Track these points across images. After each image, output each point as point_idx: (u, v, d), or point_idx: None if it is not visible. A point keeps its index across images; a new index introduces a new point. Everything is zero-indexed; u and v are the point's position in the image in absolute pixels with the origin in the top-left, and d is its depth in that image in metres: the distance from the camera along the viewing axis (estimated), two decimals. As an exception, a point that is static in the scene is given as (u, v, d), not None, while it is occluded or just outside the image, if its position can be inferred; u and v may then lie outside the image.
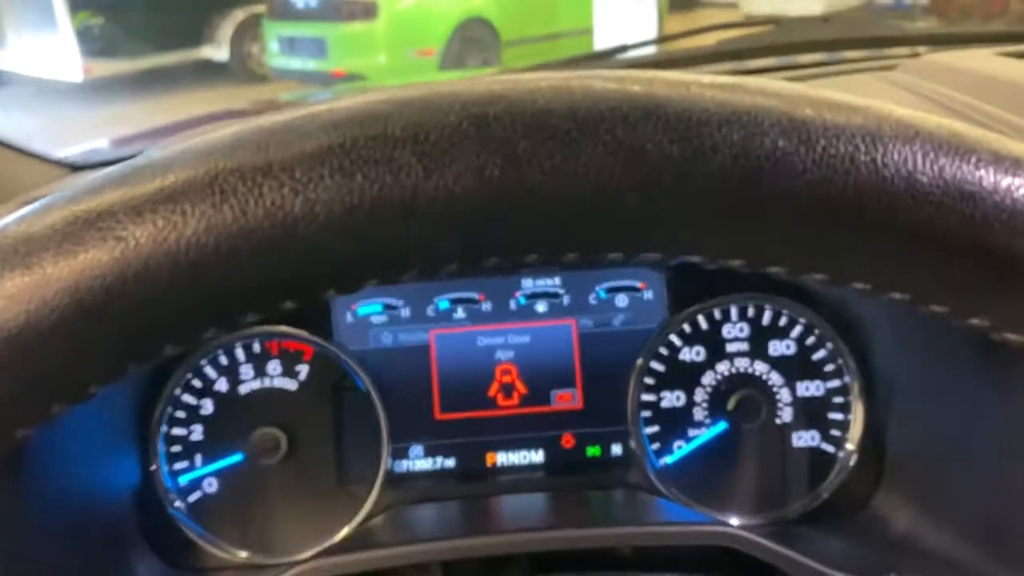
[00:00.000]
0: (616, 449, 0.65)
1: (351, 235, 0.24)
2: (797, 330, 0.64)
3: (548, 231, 0.25)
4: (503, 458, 0.65)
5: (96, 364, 0.25)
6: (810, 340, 0.64)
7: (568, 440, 0.65)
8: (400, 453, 0.65)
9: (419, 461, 0.65)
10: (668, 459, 0.64)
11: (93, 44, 5.61)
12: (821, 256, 0.26)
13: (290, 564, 0.57)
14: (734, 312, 0.64)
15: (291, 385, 0.64)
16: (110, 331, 0.24)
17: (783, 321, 0.64)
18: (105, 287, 0.23)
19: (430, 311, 0.65)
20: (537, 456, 0.65)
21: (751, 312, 0.64)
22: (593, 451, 0.65)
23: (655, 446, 0.64)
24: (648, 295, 0.66)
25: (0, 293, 0.23)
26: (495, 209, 0.24)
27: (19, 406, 0.24)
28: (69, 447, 0.53)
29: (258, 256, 0.24)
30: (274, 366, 0.64)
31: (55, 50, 5.41)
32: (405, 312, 0.65)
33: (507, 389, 0.65)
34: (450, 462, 0.65)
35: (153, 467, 0.62)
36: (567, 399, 0.65)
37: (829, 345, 0.63)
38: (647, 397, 0.64)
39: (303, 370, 0.64)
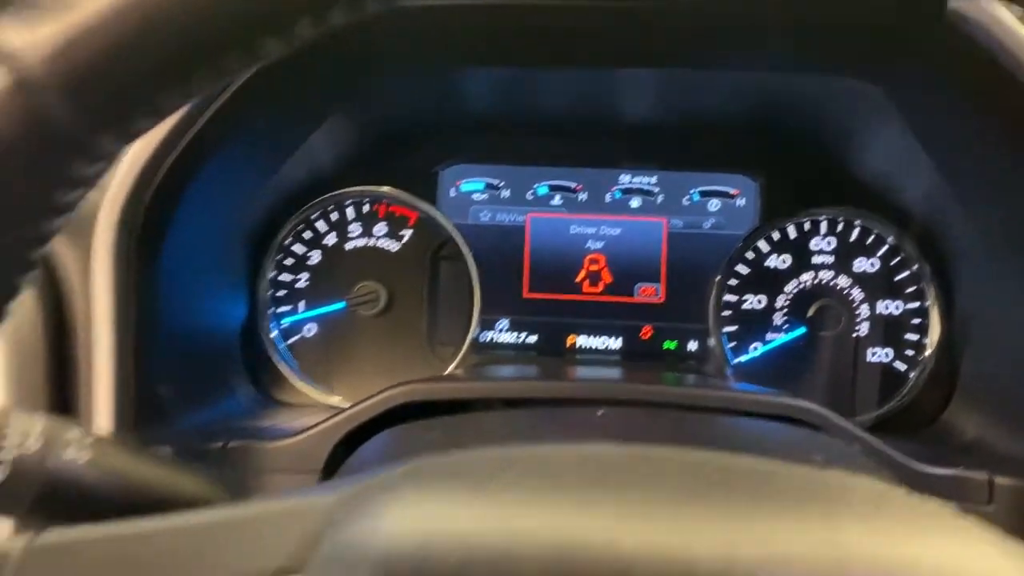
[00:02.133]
0: (692, 345, 0.68)
1: None
2: (883, 249, 0.65)
3: None
4: (583, 341, 0.68)
5: None
6: (895, 260, 0.65)
7: (647, 332, 0.68)
8: (487, 324, 0.68)
9: (504, 334, 0.69)
10: (744, 358, 0.66)
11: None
12: None
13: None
14: (824, 226, 0.66)
15: (394, 246, 0.68)
16: None
17: (871, 239, 0.65)
18: None
19: (528, 195, 0.69)
20: (615, 343, 0.68)
21: (840, 227, 0.66)
22: (670, 344, 0.68)
23: (732, 345, 0.66)
24: (740, 202, 0.68)
25: None
26: None
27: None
28: (192, 283, 0.57)
29: None
30: (380, 227, 0.68)
31: None
32: (505, 193, 0.69)
33: (593, 277, 0.68)
34: (532, 338, 0.69)
35: (260, 308, 0.67)
36: (650, 293, 0.68)
37: (914, 267, 0.65)
38: (729, 298, 0.67)
39: (407, 234, 0.68)
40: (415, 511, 0.24)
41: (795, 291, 0.66)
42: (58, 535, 0.25)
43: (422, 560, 0.22)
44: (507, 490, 0.23)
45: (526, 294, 0.69)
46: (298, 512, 0.25)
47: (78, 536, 0.25)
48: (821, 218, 0.66)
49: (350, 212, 0.68)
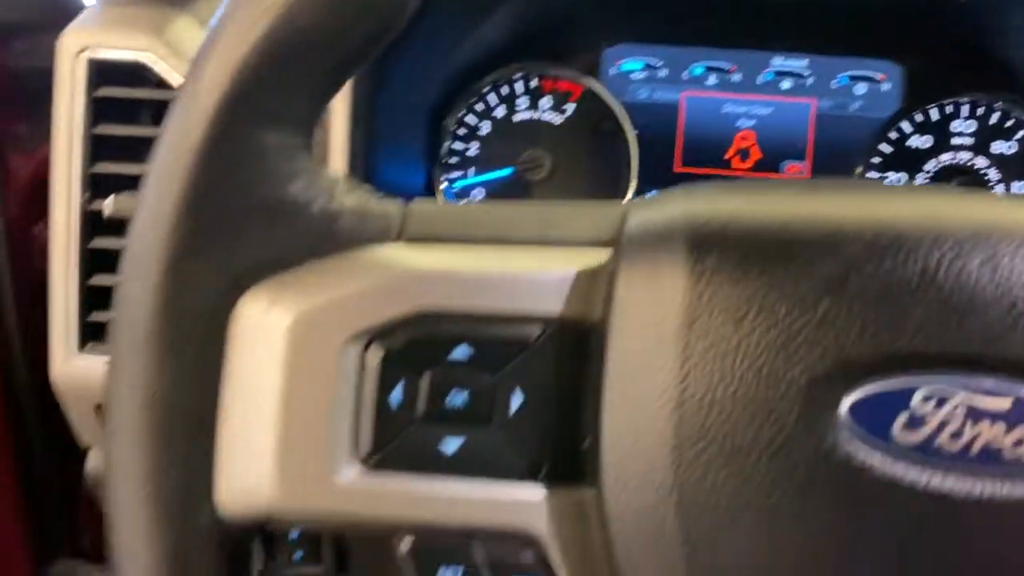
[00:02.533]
0: (833, 220, 0.73)
1: None
2: (1022, 133, 0.70)
3: None
4: (730, 213, 0.74)
5: None
6: (1033, 144, 0.70)
7: (790, 207, 0.73)
8: (640, 195, 0.74)
9: (656, 205, 0.74)
10: (882, 232, 0.71)
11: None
12: None
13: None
14: (965, 109, 0.70)
15: (557, 119, 0.73)
16: None
17: (1010, 123, 0.70)
18: None
19: (684, 75, 0.74)
20: (760, 216, 0.74)
21: (981, 111, 0.70)
22: (811, 219, 0.73)
23: (871, 219, 0.71)
24: (886, 87, 0.72)
25: None
26: None
27: None
28: (379, 157, 0.64)
29: None
30: (545, 101, 0.73)
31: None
32: (662, 72, 0.74)
33: (743, 153, 0.73)
34: (682, 210, 0.74)
35: (435, 175, 0.74)
36: (796, 170, 0.73)
37: (1050, 150, 0.69)
38: (871, 175, 0.72)
39: (569, 108, 0.73)
40: (723, 193, 0.30)
41: (934, 170, 0.71)
42: (426, 204, 0.32)
43: (733, 225, 0.28)
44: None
45: (678, 169, 0.74)
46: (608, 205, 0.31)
47: (442, 207, 0.32)
48: (963, 102, 0.70)
49: (518, 87, 0.73)
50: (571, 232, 0.31)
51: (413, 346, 0.29)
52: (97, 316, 0.59)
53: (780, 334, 0.27)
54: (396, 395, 0.29)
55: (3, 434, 0.92)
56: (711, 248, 0.28)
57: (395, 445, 0.29)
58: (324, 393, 0.29)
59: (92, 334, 0.59)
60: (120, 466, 0.28)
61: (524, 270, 0.30)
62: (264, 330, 0.29)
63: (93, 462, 0.66)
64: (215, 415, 0.29)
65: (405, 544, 0.30)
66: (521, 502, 0.30)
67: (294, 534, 0.63)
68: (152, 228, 0.28)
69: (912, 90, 0.72)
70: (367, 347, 0.29)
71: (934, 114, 0.71)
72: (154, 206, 0.29)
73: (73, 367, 0.59)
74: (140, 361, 0.28)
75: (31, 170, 0.88)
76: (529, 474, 0.30)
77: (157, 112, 0.61)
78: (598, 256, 0.30)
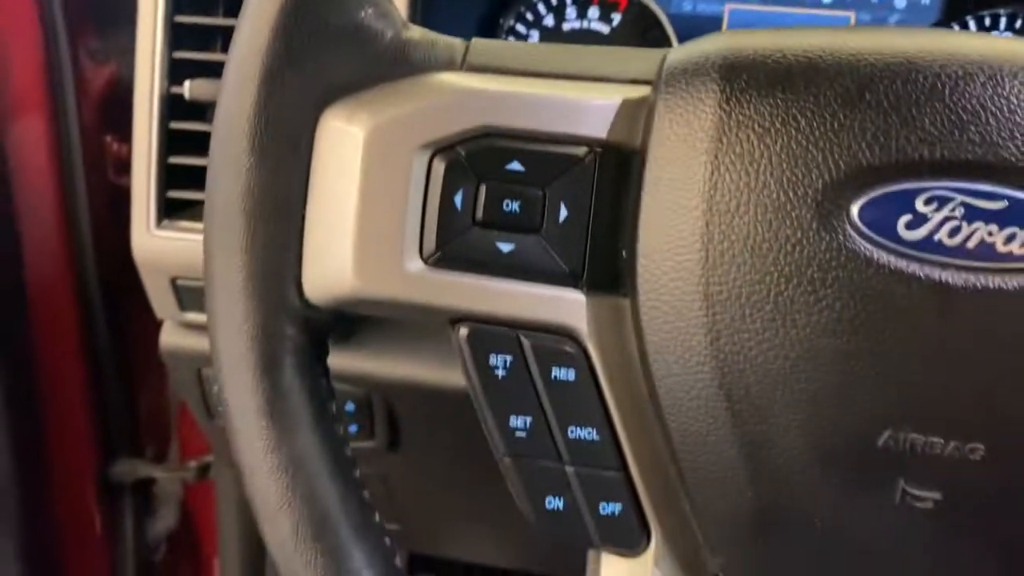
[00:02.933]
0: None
1: None
2: (1060, 45, 0.71)
3: None
4: (768, 123, 0.77)
5: None
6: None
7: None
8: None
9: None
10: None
11: None
12: None
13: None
14: (1003, 20, 0.72)
15: (605, 29, 0.76)
16: None
17: (1048, 35, 0.71)
18: None
19: (728, -12, 0.76)
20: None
21: (1020, 22, 0.72)
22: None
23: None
24: (926, 0, 0.74)
25: None
26: None
27: None
28: None
29: None
30: (593, 11, 0.76)
31: None
32: (707, -16, 0.76)
33: (783, 64, 0.76)
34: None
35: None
36: (834, 81, 0.75)
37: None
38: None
39: (616, 18, 0.76)
40: (752, 32, 0.33)
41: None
42: (487, 40, 0.36)
43: (761, 53, 0.31)
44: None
45: (719, 79, 0.76)
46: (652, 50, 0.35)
47: (502, 43, 0.36)
48: (1002, 13, 0.72)
49: (568, -4, 0.76)
50: (617, 70, 0.35)
51: (474, 158, 0.33)
52: (175, 194, 0.64)
53: (799, 144, 0.30)
54: (458, 199, 0.33)
55: (76, 341, 0.99)
56: (740, 73, 0.31)
57: (455, 244, 0.33)
58: (395, 196, 0.33)
59: (170, 210, 0.64)
60: (219, 244, 0.33)
61: (574, 97, 0.33)
62: (344, 140, 0.33)
63: (166, 336, 0.71)
64: (302, 209, 0.33)
65: (463, 331, 0.34)
66: (565, 301, 0.34)
67: (350, 407, 0.69)
68: (250, 48, 0.32)
69: (951, 2, 0.73)
70: (433, 157, 0.33)
71: (973, 26, 0.72)
72: (251, 30, 0.33)
73: (152, 241, 0.64)
74: (239, 158, 0.32)
75: (104, 82, 0.93)
76: (571, 280, 0.34)
77: (229, 4, 0.65)
78: (641, 91, 0.33)
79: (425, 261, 0.34)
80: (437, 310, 0.34)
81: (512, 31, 0.77)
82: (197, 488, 1.13)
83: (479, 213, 0.33)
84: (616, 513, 0.35)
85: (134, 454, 1.08)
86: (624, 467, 0.35)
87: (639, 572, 0.36)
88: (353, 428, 0.70)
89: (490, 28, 0.77)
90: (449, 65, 0.35)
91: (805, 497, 0.32)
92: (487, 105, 0.33)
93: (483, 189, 0.33)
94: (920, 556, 0.32)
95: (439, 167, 0.33)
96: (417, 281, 0.34)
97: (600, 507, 0.35)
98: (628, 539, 0.36)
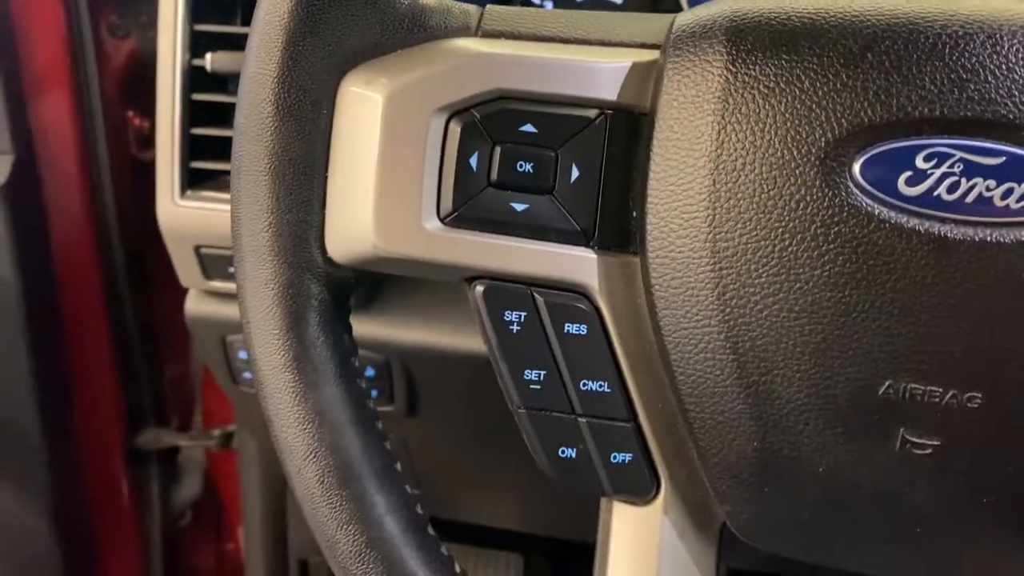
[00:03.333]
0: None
1: None
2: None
3: None
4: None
5: None
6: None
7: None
8: None
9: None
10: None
11: None
12: None
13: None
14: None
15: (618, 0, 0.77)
16: None
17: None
18: None
19: (742, -43, 0.76)
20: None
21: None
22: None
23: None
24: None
25: None
26: None
27: None
28: None
29: None
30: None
31: None
32: (721, -46, 0.77)
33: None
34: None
35: None
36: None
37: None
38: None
39: (630, -12, 0.77)
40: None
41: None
42: (501, 7, 0.37)
43: (767, 16, 0.32)
44: None
45: None
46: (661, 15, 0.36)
47: (516, 9, 0.37)
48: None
49: (581, -34, 0.77)
50: (628, 34, 0.36)
51: (489, 120, 0.34)
52: (198, 164, 0.65)
53: (803, 104, 0.31)
54: (473, 161, 0.34)
55: (102, 314, 1.01)
56: (746, 35, 0.32)
57: (471, 204, 0.35)
58: (414, 158, 0.34)
59: (193, 180, 0.66)
60: (246, 205, 0.34)
61: (585, 61, 0.34)
62: (363, 104, 0.34)
63: (191, 304, 0.73)
64: (325, 170, 0.35)
65: (479, 289, 0.36)
66: (576, 259, 0.35)
67: (369, 372, 0.70)
68: (272, 16, 0.34)
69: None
70: (450, 120, 0.34)
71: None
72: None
73: (176, 211, 0.66)
74: (263, 120, 0.34)
75: (125, 57, 0.95)
76: (583, 239, 0.35)
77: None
78: (651, 54, 0.34)
79: (442, 220, 0.35)
80: (454, 268, 0.35)
81: (526, 1, 0.77)
82: (221, 456, 1.16)
83: (494, 174, 0.35)
84: (627, 462, 0.37)
85: (159, 424, 1.11)
86: (634, 418, 0.36)
87: (649, 520, 0.38)
88: (373, 393, 0.72)
89: (505, -1, 0.77)
90: (464, 31, 0.36)
91: (808, 446, 0.33)
92: (501, 69, 0.34)
93: (498, 151, 0.34)
94: (920, 501, 0.34)
95: (455, 129, 0.34)
96: (435, 240, 0.35)
97: (611, 456, 0.37)
98: (639, 488, 0.37)
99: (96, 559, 1.09)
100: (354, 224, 0.35)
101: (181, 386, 1.15)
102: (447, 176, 0.35)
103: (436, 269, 0.36)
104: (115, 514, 1.10)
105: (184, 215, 0.65)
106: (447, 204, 0.35)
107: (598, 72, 0.34)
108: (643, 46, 0.35)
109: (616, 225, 0.35)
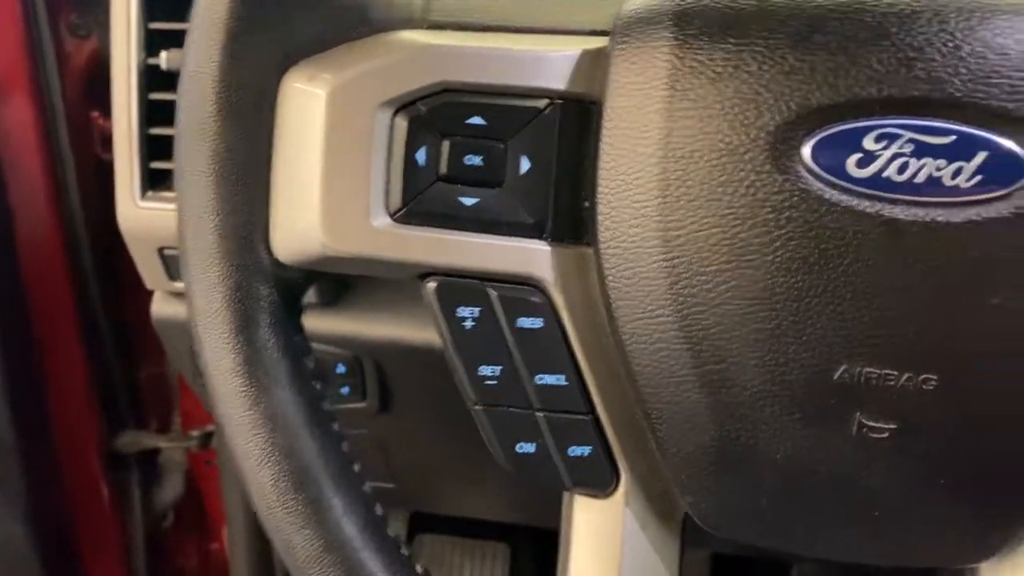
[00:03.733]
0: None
1: None
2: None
3: None
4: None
5: None
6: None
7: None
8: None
9: None
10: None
11: None
12: None
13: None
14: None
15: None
16: None
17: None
18: None
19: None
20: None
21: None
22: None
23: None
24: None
25: None
26: None
27: None
28: None
29: None
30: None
31: None
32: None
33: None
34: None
35: None
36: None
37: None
38: None
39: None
40: None
41: None
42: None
43: (718, 1, 0.32)
44: None
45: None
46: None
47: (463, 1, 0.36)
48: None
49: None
50: (578, 21, 0.35)
51: (436, 114, 0.34)
52: (157, 164, 0.64)
53: (751, 88, 0.31)
54: (421, 156, 0.34)
55: (72, 316, 1.00)
56: (692, 19, 0.32)
57: (420, 199, 0.34)
58: (360, 154, 0.34)
59: (154, 181, 0.65)
60: (190, 207, 0.34)
61: (533, 50, 0.34)
62: (307, 101, 0.34)
63: (157, 306, 0.72)
64: (269, 169, 0.34)
65: (431, 285, 0.35)
66: (530, 252, 0.34)
67: (340, 368, 0.70)
68: (211, 12, 0.33)
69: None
70: (395, 114, 0.34)
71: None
72: None
73: (137, 212, 0.65)
74: (204, 120, 0.33)
75: (86, 57, 0.93)
76: (536, 231, 0.34)
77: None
78: (600, 41, 0.34)
79: (392, 217, 0.34)
80: (405, 265, 0.35)
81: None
82: (202, 457, 1.15)
83: (442, 168, 0.34)
84: (586, 455, 0.36)
85: (138, 426, 1.10)
86: (592, 411, 0.36)
87: (611, 513, 0.38)
88: (345, 390, 0.71)
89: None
90: (409, 23, 0.35)
91: (765, 433, 0.33)
92: (446, 61, 0.34)
93: (445, 144, 0.34)
94: (877, 486, 0.34)
95: (401, 124, 0.34)
96: (384, 237, 0.34)
97: (570, 450, 0.36)
98: (599, 481, 0.37)
99: (78, 564, 1.08)
100: (301, 224, 0.34)
101: (158, 387, 1.14)
102: (395, 172, 0.34)
103: (387, 267, 0.35)
104: (96, 518, 1.09)
105: (145, 217, 0.65)
106: (396, 200, 0.34)
107: (546, 61, 0.34)
108: (593, 33, 0.35)
109: (569, 216, 0.34)
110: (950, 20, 0.30)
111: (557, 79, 0.34)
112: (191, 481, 1.20)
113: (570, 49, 0.34)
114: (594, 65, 0.34)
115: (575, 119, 0.34)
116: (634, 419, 0.36)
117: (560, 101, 0.34)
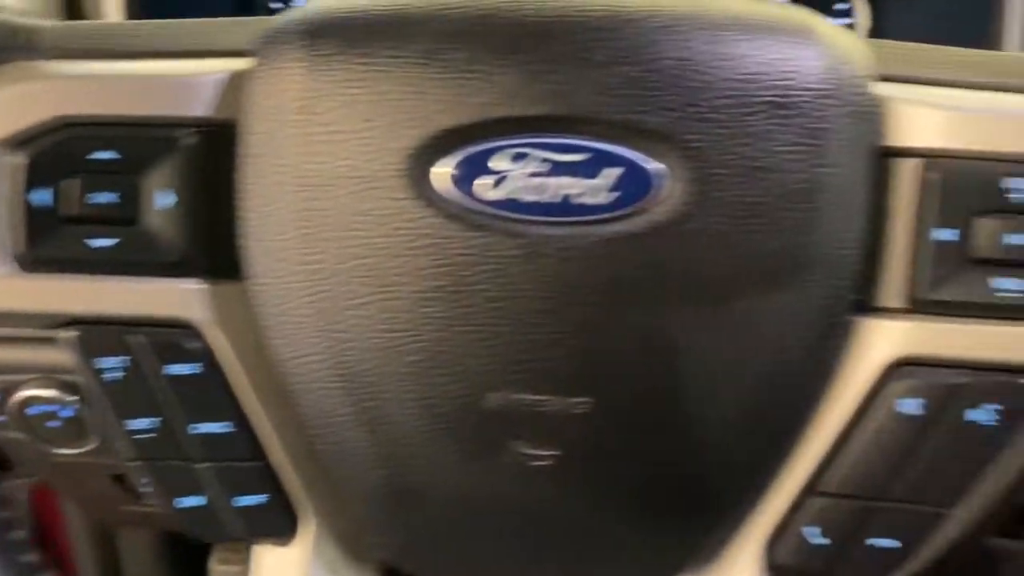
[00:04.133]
0: None
1: None
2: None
3: None
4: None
5: None
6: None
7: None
8: None
9: None
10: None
11: None
12: None
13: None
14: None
15: None
16: None
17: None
18: None
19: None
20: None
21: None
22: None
23: None
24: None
25: None
26: None
27: None
28: None
29: None
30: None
31: None
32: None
33: None
34: None
35: None
36: None
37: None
38: None
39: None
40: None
41: None
42: (72, 23, 0.33)
43: (345, 14, 0.30)
44: None
45: None
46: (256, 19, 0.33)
47: (89, 24, 0.33)
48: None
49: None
50: (222, 42, 0.33)
51: (57, 151, 0.31)
52: None
53: (384, 109, 0.29)
54: (44, 197, 0.31)
55: None
56: (323, 35, 0.30)
57: (45, 244, 0.31)
58: None
59: None
60: None
61: (169, 75, 0.31)
62: None
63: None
64: None
65: (70, 335, 0.32)
66: (177, 292, 0.32)
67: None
68: None
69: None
70: (12, 153, 0.31)
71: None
72: None
73: None
74: None
75: None
76: (184, 269, 0.32)
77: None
78: (245, 63, 0.32)
79: (18, 264, 0.31)
80: (38, 316, 0.32)
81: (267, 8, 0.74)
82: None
83: (67, 209, 0.31)
84: (259, 504, 0.34)
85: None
86: (262, 456, 0.34)
87: (295, 560, 0.36)
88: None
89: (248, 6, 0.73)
90: (29, 52, 0.32)
91: (429, 468, 0.32)
92: (66, 93, 0.31)
93: (70, 184, 0.31)
94: (550, 513, 0.32)
95: (18, 164, 0.31)
96: (11, 287, 0.31)
97: (242, 500, 0.34)
98: (277, 528, 0.35)
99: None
100: None
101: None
102: (16, 215, 0.31)
103: (19, 319, 0.32)
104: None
105: None
106: (19, 247, 0.31)
107: (183, 87, 0.31)
108: (241, 54, 0.32)
109: (223, 251, 0.32)
110: (579, 35, 0.28)
111: (196, 105, 0.31)
112: (41, 517, 1.14)
113: (211, 73, 0.32)
114: (238, 88, 0.31)
115: (220, 147, 0.31)
116: (312, 460, 0.34)
117: (203, 129, 0.31)
